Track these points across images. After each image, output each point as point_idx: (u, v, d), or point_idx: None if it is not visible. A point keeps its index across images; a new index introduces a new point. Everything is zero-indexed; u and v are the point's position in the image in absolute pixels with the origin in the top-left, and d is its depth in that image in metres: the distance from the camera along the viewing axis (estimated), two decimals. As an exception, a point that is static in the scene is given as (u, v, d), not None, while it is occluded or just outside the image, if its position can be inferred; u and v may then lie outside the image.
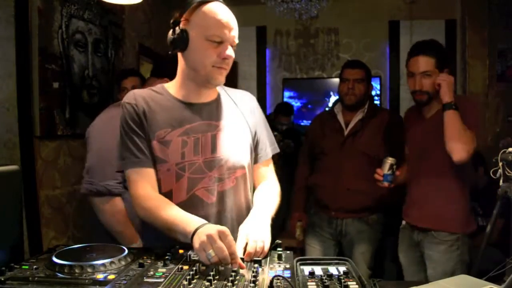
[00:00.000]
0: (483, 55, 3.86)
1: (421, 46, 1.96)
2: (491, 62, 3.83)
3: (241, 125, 1.38)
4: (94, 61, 2.87)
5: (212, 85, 1.32)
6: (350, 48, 4.59)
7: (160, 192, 1.27)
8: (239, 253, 1.09)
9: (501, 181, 1.36)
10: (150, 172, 1.26)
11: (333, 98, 4.56)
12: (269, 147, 1.46)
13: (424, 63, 1.90)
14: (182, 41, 1.25)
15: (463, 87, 3.99)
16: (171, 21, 1.28)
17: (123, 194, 1.82)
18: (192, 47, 1.25)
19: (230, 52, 1.25)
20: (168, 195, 1.26)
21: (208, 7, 1.24)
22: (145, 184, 1.25)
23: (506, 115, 3.85)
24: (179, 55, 1.32)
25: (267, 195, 1.40)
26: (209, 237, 1.02)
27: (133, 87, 2.52)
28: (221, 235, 1.03)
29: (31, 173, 2.23)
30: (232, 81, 4.24)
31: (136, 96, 1.32)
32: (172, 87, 1.36)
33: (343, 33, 4.59)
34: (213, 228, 1.05)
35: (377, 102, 4.38)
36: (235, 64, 5.44)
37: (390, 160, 1.99)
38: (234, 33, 1.26)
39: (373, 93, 4.18)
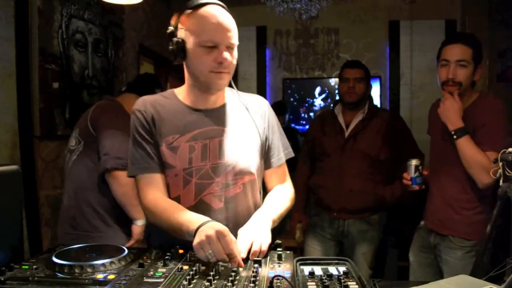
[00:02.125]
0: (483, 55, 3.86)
1: (459, 35, 1.87)
2: (491, 62, 3.83)
3: (250, 130, 1.36)
4: (94, 61, 2.87)
5: (214, 90, 1.31)
6: (350, 48, 4.59)
7: (169, 197, 1.28)
8: (243, 254, 1.09)
9: (501, 181, 1.36)
10: (159, 178, 1.28)
11: (319, 99, 4.57)
12: (282, 152, 1.44)
13: (460, 51, 1.77)
14: (180, 51, 1.26)
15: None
16: (168, 32, 1.29)
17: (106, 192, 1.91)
18: (189, 55, 1.25)
19: (226, 55, 1.23)
20: (177, 200, 1.27)
21: (200, 12, 1.23)
22: (153, 189, 1.27)
23: (506, 115, 3.84)
24: (184, 62, 1.32)
25: (275, 197, 1.39)
26: (208, 237, 1.04)
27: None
28: (219, 235, 1.04)
29: (31, 173, 2.23)
30: (232, 81, 4.23)
31: (145, 102, 1.33)
32: (181, 93, 1.37)
33: (343, 33, 4.59)
34: (212, 228, 1.06)
35: (377, 102, 4.38)
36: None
37: (414, 162, 1.90)
38: (230, 34, 1.24)
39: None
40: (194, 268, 0.99)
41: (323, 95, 4.62)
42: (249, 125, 1.37)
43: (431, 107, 2.10)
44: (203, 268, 1.02)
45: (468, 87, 1.82)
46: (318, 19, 4.45)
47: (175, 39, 1.26)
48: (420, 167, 1.89)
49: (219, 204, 1.29)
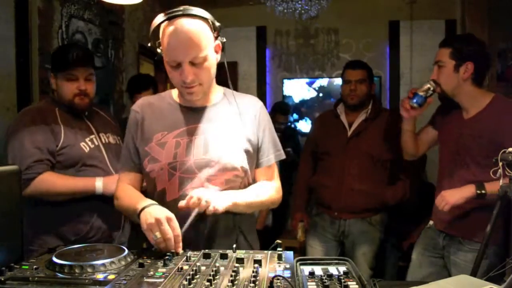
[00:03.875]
0: (483, 55, 3.85)
1: (445, 39, 1.93)
2: (491, 62, 3.83)
3: (238, 129, 1.39)
4: (94, 61, 2.87)
5: (189, 101, 1.36)
6: (350, 48, 4.59)
7: (155, 190, 1.35)
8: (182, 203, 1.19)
9: (501, 181, 1.36)
10: (133, 176, 1.41)
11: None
12: (272, 153, 1.46)
13: (439, 53, 1.85)
14: (161, 63, 1.31)
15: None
16: (149, 45, 1.35)
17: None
18: (165, 67, 1.31)
19: (188, 73, 1.24)
20: (162, 193, 1.34)
21: (166, 30, 1.24)
22: (125, 183, 1.41)
23: (506, 115, 3.84)
24: None
25: (252, 188, 1.41)
26: (157, 220, 1.14)
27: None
28: (168, 220, 1.15)
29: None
30: (232, 81, 4.24)
31: (143, 103, 1.44)
32: (176, 92, 1.44)
33: (343, 33, 4.59)
34: (161, 213, 1.16)
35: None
36: (235, 64, 5.41)
37: (430, 83, 1.87)
38: (192, 51, 1.23)
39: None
40: (194, 268, 0.99)
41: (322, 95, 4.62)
42: (237, 124, 1.40)
43: (439, 108, 2.07)
44: (203, 268, 1.02)
45: (459, 87, 1.82)
46: (318, 19, 4.44)
47: (158, 51, 1.29)
48: (431, 92, 1.86)
49: None
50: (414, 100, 1.89)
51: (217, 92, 1.45)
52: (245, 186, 1.41)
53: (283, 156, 1.50)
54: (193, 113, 1.38)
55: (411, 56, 4.38)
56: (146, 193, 1.40)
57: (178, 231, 1.16)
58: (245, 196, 1.34)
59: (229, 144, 1.36)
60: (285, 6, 3.46)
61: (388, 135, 2.34)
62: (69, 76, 1.77)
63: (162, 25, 1.25)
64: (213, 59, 1.30)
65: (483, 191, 1.68)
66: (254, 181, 1.46)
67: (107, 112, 2.11)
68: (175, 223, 1.16)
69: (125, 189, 1.39)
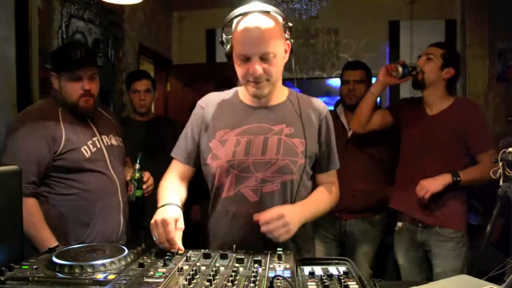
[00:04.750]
0: (483, 55, 3.85)
1: (440, 42, 2.20)
2: (491, 62, 3.83)
3: (299, 134, 1.38)
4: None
5: (254, 97, 1.37)
6: (350, 48, 4.59)
7: (214, 185, 1.39)
8: (262, 225, 1.20)
9: (501, 181, 1.36)
10: (183, 168, 1.45)
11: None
12: (336, 160, 1.49)
13: (431, 50, 2.08)
14: (227, 56, 1.35)
15: (463, 87, 3.99)
16: (220, 39, 1.35)
17: (46, 193, 1.70)
18: (234, 61, 1.34)
19: (257, 67, 1.28)
20: (220, 188, 1.38)
21: (238, 24, 1.29)
22: (173, 173, 1.45)
23: (506, 115, 3.84)
24: None
25: (314, 194, 1.43)
26: (155, 222, 1.18)
27: (147, 90, 2.68)
28: (164, 223, 1.17)
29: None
30: (232, 81, 4.24)
31: (209, 99, 1.47)
32: (241, 89, 1.46)
33: (343, 33, 4.58)
34: (160, 215, 1.19)
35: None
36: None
37: (418, 65, 2.05)
38: (262, 46, 1.27)
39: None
40: (194, 268, 0.99)
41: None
42: (298, 127, 1.38)
43: (399, 105, 2.28)
44: (203, 268, 1.02)
45: (436, 82, 2.02)
46: (318, 19, 4.44)
47: (228, 44, 1.33)
48: (416, 72, 2.04)
49: (255, 198, 1.33)
50: (400, 69, 2.04)
51: (282, 92, 1.45)
52: (302, 191, 1.39)
53: (337, 167, 1.52)
54: (255, 112, 1.40)
55: (411, 56, 4.38)
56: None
57: (172, 235, 1.16)
58: (312, 209, 1.37)
59: (288, 147, 1.35)
60: (285, 6, 3.46)
61: (387, 135, 2.34)
62: (73, 76, 1.73)
63: (236, 20, 1.29)
64: (281, 57, 1.34)
65: (458, 178, 1.88)
66: (314, 186, 1.47)
67: (109, 111, 2.09)
68: (170, 226, 1.16)
69: (168, 178, 1.44)
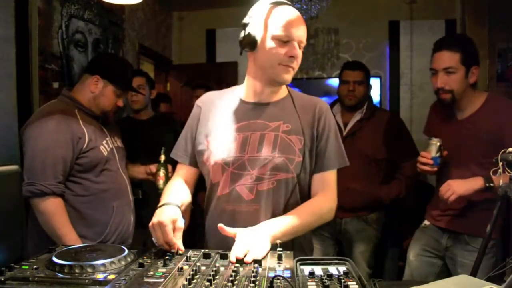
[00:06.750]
0: (483, 55, 3.85)
1: (444, 41, 1.83)
2: (491, 62, 3.83)
3: (296, 130, 1.35)
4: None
5: (278, 84, 1.37)
6: (350, 48, 4.59)
7: (211, 183, 1.38)
8: (233, 259, 1.08)
9: (501, 181, 1.36)
10: (185, 168, 1.45)
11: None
12: (332, 159, 1.41)
13: (447, 58, 1.76)
14: (251, 41, 1.32)
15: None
16: (243, 22, 1.35)
17: (66, 195, 1.71)
18: (261, 46, 1.31)
19: (298, 51, 1.30)
20: (216, 186, 1.36)
21: (280, 8, 1.31)
22: (177, 176, 1.46)
23: (506, 115, 3.84)
24: (248, 55, 1.39)
25: (299, 209, 1.34)
26: (153, 224, 1.18)
27: (139, 87, 2.62)
28: (160, 225, 1.16)
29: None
30: (232, 81, 4.25)
31: (207, 98, 1.48)
32: (240, 87, 1.46)
33: (343, 33, 4.59)
34: (157, 217, 1.18)
35: (376, 102, 4.38)
36: (235, 64, 5.41)
37: (436, 141, 1.81)
38: (304, 33, 1.31)
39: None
40: (194, 268, 0.99)
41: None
42: (296, 125, 1.36)
43: (430, 108, 2.09)
44: (203, 268, 1.02)
45: (465, 91, 1.79)
46: (318, 19, 4.44)
47: (248, 29, 1.32)
48: (442, 147, 1.81)
49: (250, 196, 1.32)
50: (437, 164, 1.82)
51: (283, 90, 1.43)
52: (298, 192, 1.36)
53: (347, 163, 1.45)
54: (253, 109, 1.39)
55: (411, 56, 4.39)
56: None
57: (169, 237, 1.15)
58: (283, 226, 1.25)
59: (285, 144, 1.33)
60: (285, 6, 3.46)
61: (382, 135, 2.35)
62: (118, 93, 1.86)
63: (266, 8, 1.31)
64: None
65: (491, 184, 1.64)
66: (309, 188, 1.40)
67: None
68: (168, 228, 1.15)
69: (172, 180, 1.46)
